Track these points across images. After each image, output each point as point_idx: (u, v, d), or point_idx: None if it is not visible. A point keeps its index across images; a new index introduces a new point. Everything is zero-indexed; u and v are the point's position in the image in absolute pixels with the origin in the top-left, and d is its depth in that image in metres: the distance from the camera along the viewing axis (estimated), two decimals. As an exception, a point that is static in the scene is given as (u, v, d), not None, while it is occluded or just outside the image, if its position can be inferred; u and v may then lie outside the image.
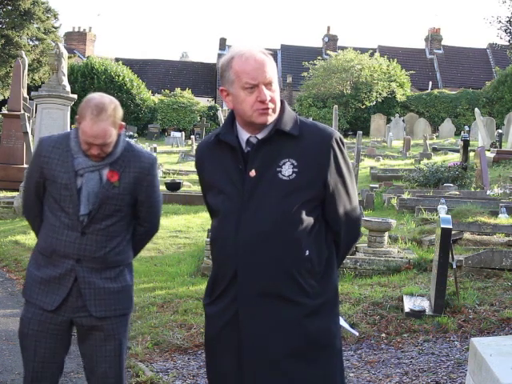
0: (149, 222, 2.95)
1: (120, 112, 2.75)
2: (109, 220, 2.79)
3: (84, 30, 49.27)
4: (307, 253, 2.28)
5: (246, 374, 2.28)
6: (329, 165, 2.29)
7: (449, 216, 5.61)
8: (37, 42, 31.12)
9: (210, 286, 2.41)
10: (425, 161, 19.08)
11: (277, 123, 2.31)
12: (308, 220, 2.29)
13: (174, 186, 14.55)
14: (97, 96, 2.74)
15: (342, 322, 2.60)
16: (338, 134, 2.35)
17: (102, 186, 2.76)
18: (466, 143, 15.59)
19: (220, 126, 2.43)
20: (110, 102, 2.72)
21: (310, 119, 2.56)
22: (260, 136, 2.31)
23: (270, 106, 2.27)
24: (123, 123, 2.80)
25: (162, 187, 15.02)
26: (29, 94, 16.63)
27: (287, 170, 2.26)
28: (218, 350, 2.36)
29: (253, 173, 2.27)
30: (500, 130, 22.65)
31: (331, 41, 48.51)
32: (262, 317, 2.26)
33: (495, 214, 9.36)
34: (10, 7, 30.10)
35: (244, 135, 2.34)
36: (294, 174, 2.26)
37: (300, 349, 2.27)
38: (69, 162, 2.76)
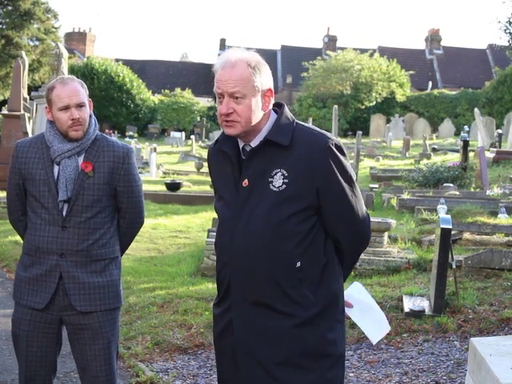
0: (130, 212, 2.97)
1: (85, 86, 2.92)
2: (88, 212, 2.82)
3: (84, 30, 49.31)
4: (298, 264, 2.23)
5: (242, 375, 2.31)
6: (321, 173, 2.22)
7: (448, 216, 5.61)
8: (37, 43, 31.15)
9: (217, 287, 2.44)
10: (424, 161, 19.10)
11: (268, 133, 2.27)
12: (299, 230, 2.24)
13: (173, 186, 14.56)
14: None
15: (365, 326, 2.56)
16: (333, 141, 2.27)
17: (78, 175, 2.81)
18: (466, 143, 15.58)
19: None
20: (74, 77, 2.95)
21: (311, 120, 2.52)
22: (253, 144, 2.29)
23: (234, 118, 2.23)
24: (90, 99, 2.94)
25: (162, 187, 15.03)
26: (29, 94, 16.64)
27: (278, 180, 2.23)
28: (219, 349, 2.41)
29: (246, 182, 2.26)
30: (500, 130, 22.65)
31: (331, 41, 48.53)
32: (252, 325, 2.26)
33: (495, 214, 9.36)
34: (10, 7, 30.12)
35: (240, 143, 2.34)
36: (284, 186, 2.22)
37: (292, 358, 2.25)
38: (45, 158, 2.84)
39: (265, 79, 2.27)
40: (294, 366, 2.25)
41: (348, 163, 2.31)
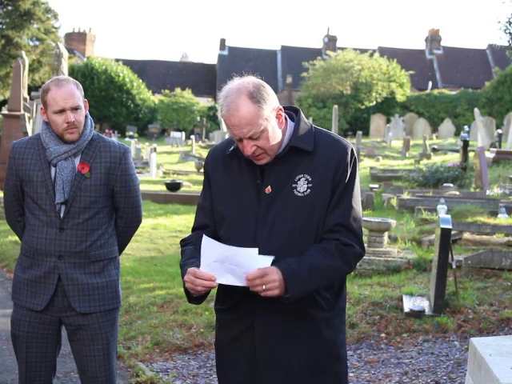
0: (128, 212, 2.96)
1: (81, 87, 2.87)
2: (86, 213, 2.82)
3: (84, 30, 49.33)
4: None
5: (259, 379, 2.27)
6: (341, 177, 2.24)
7: (448, 216, 5.61)
8: (37, 43, 31.21)
9: (222, 293, 2.36)
10: (424, 161, 19.12)
11: (291, 139, 2.26)
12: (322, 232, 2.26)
13: (173, 186, 14.56)
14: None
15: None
16: (351, 147, 2.30)
17: (74, 177, 2.80)
18: (466, 143, 15.59)
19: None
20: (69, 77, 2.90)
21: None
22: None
23: (260, 152, 2.21)
24: (86, 100, 2.90)
25: (162, 187, 15.03)
26: (29, 94, 16.66)
27: (302, 186, 2.23)
28: (230, 356, 2.35)
29: (268, 189, 2.25)
30: (499, 130, 22.66)
31: (331, 41, 48.56)
32: (277, 332, 2.25)
33: (495, 214, 9.37)
34: (10, 7, 30.17)
35: None
36: (309, 190, 2.23)
37: (314, 362, 2.27)
38: (42, 160, 2.83)
39: (270, 102, 2.20)
40: (315, 370, 2.27)
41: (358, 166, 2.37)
